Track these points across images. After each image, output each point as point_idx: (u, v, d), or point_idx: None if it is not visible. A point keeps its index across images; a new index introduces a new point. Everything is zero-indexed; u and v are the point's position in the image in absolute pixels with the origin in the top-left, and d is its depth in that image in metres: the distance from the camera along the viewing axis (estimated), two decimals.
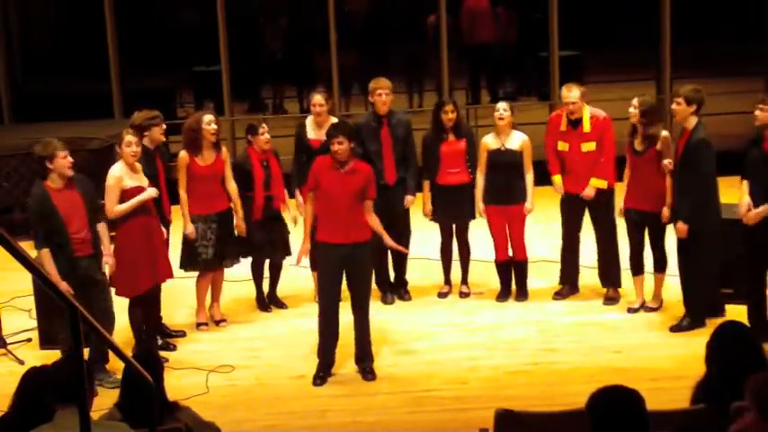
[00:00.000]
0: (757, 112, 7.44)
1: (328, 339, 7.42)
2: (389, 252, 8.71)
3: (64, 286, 6.81)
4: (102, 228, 7.36)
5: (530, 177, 8.57)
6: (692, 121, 7.67)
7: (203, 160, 8.18)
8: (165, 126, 8.16)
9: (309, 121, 8.70)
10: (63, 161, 7.06)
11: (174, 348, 8.05)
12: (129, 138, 7.49)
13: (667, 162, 7.88)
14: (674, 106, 7.74)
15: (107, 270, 7.37)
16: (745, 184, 7.59)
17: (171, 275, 7.86)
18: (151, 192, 7.53)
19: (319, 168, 7.32)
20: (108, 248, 7.41)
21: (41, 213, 7.05)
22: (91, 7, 13.70)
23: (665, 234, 8.23)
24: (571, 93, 8.36)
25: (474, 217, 8.80)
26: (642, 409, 4.01)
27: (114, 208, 7.42)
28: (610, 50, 16.67)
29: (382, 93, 8.59)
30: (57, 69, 15.34)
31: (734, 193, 8.47)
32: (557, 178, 8.61)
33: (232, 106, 13.63)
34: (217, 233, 8.26)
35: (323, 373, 7.42)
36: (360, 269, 7.32)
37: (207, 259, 8.27)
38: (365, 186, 7.28)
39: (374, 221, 7.39)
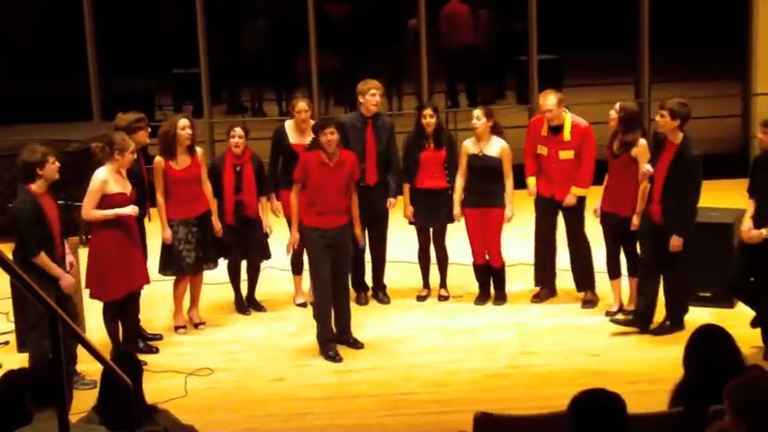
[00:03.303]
0: (761, 135, 7.43)
1: (326, 320, 7.82)
2: (367, 254, 8.78)
3: (69, 279, 7.11)
4: (68, 244, 7.40)
5: (509, 183, 8.57)
6: (678, 135, 7.60)
7: (178, 164, 8.16)
8: (150, 129, 8.17)
9: (290, 126, 8.68)
10: (53, 167, 7.07)
11: (156, 351, 8.02)
12: (134, 146, 7.54)
13: (647, 168, 7.79)
14: (658, 118, 7.69)
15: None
16: (751, 204, 7.55)
17: (147, 281, 7.84)
18: (131, 210, 7.51)
19: (309, 163, 7.77)
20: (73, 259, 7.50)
21: (37, 217, 6.99)
22: (70, 9, 13.63)
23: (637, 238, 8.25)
24: (547, 100, 8.34)
25: (451, 221, 8.81)
26: (623, 414, 4.03)
27: (92, 211, 7.40)
28: (589, 54, 16.68)
29: (376, 93, 8.64)
30: (35, 71, 15.23)
31: (712, 197, 8.52)
32: (531, 180, 8.63)
33: (211, 108, 13.59)
34: (197, 236, 8.25)
35: (332, 352, 7.79)
36: (344, 251, 7.88)
37: (190, 263, 8.27)
38: (351, 174, 7.84)
39: (354, 204, 7.94)
